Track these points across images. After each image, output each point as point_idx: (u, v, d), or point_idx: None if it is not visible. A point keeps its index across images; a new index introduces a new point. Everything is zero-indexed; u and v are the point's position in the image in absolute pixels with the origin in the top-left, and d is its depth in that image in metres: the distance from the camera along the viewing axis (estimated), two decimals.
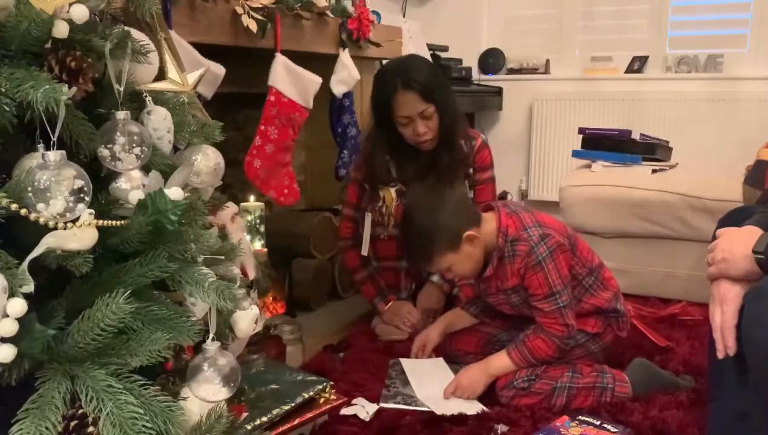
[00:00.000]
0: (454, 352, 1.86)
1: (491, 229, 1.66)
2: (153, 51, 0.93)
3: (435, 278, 2.18)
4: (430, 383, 1.73)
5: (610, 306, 1.72)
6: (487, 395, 1.65)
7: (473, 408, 1.60)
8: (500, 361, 1.66)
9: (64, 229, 0.72)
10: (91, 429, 0.72)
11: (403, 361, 1.84)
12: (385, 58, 2.68)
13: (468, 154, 2.11)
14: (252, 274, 1.18)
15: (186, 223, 0.88)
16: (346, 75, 2.29)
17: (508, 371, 1.64)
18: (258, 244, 1.68)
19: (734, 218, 1.33)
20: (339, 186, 2.52)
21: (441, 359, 1.85)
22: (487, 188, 2.17)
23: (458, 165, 2.08)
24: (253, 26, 1.80)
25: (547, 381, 1.62)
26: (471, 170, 2.14)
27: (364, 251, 2.12)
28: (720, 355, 1.15)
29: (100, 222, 0.76)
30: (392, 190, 2.10)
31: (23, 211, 0.70)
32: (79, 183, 0.73)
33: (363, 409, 1.60)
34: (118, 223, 0.79)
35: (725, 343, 1.14)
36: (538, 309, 1.64)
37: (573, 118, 3.73)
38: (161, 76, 0.94)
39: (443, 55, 3.68)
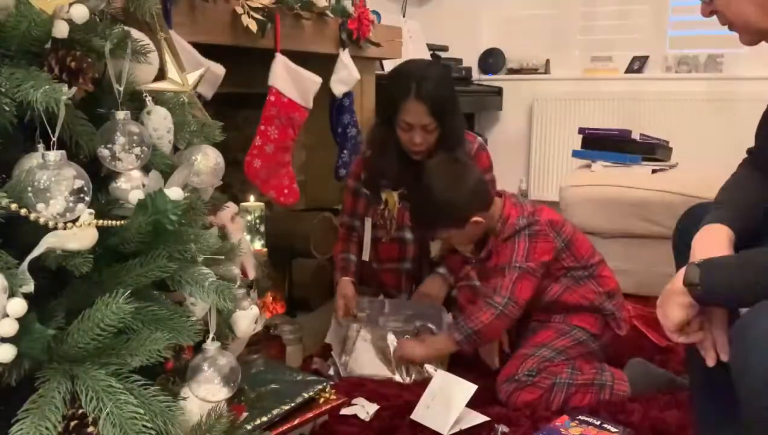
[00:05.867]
0: None
1: (496, 215, 1.75)
2: (153, 51, 0.93)
3: (442, 270, 2.16)
4: (438, 402, 1.58)
5: (598, 302, 1.74)
6: (487, 394, 1.65)
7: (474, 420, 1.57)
8: (441, 339, 1.77)
9: (64, 229, 0.72)
10: (91, 429, 0.72)
11: (439, 371, 1.69)
12: (386, 58, 2.68)
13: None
14: (252, 274, 1.18)
15: (186, 223, 0.87)
16: (346, 75, 2.28)
17: (449, 349, 1.73)
18: (258, 244, 1.68)
19: (694, 217, 1.30)
20: (339, 186, 2.51)
21: (473, 386, 1.58)
22: None
23: None
24: (253, 26, 1.80)
25: (547, 376, 1.63)
26: None
27: (365, 256, 2.11)
28: (711, 363, 1.07)
29: (100, 222, 0.76)
30: (395, 194, 2.08)
31: (23, 211, 0.70)
32: (79, 183, 0.73)
33: (363, 409, 1.60)
34: (118, 223, 0.79)
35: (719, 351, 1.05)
36: (491, 277, 1.73)
37: (573, 118, 3.73)
38: (161, 76, 0.94)
39: (443, 55, 3.67)
